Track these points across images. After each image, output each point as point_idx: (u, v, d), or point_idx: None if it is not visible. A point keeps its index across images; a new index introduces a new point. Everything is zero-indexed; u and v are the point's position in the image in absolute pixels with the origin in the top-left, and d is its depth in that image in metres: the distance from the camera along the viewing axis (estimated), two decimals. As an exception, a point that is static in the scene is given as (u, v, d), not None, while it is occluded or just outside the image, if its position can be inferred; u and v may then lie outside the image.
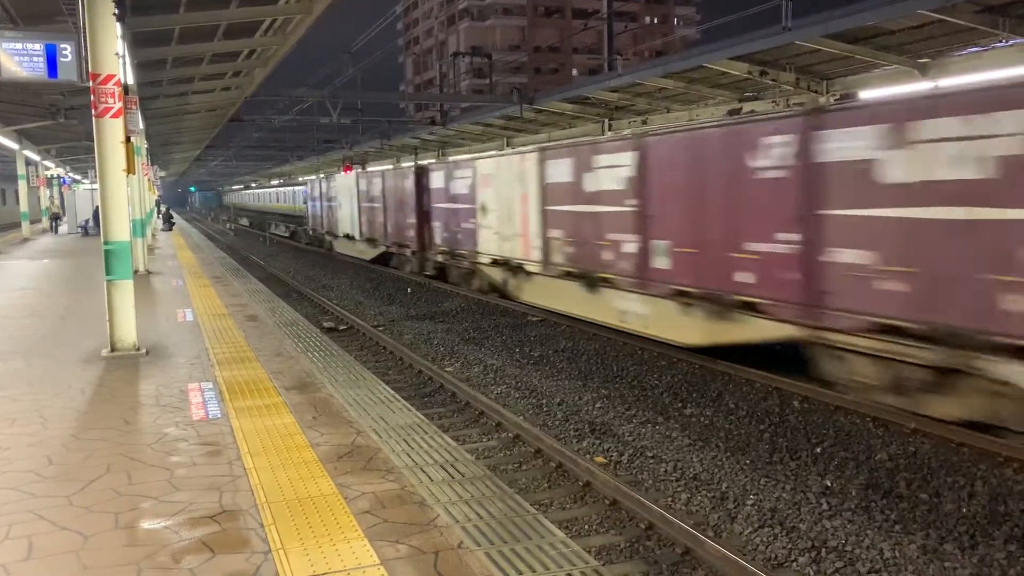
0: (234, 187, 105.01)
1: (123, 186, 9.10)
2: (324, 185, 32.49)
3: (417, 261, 22.59)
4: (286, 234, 44.69)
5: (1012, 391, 7.15)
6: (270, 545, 4.12)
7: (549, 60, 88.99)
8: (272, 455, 5.49)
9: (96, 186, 10.27)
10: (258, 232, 55.84)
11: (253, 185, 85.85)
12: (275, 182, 70.27)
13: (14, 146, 29.16)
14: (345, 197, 29.04)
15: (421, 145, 36.50)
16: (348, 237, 29.05)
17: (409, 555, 4.01)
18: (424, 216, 21.52)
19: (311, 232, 35.95)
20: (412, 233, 22.34)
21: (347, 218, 29.01)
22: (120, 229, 8.96)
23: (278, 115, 32.38)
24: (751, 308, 9.85)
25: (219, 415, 6.49)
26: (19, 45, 8.57)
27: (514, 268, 16.10)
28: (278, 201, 56.96)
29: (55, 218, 38.54)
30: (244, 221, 66.81)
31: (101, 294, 9.10)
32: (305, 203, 40.60)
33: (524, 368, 11.63)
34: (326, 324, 15.38)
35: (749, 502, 6.64)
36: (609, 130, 23.04)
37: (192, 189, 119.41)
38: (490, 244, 17.22)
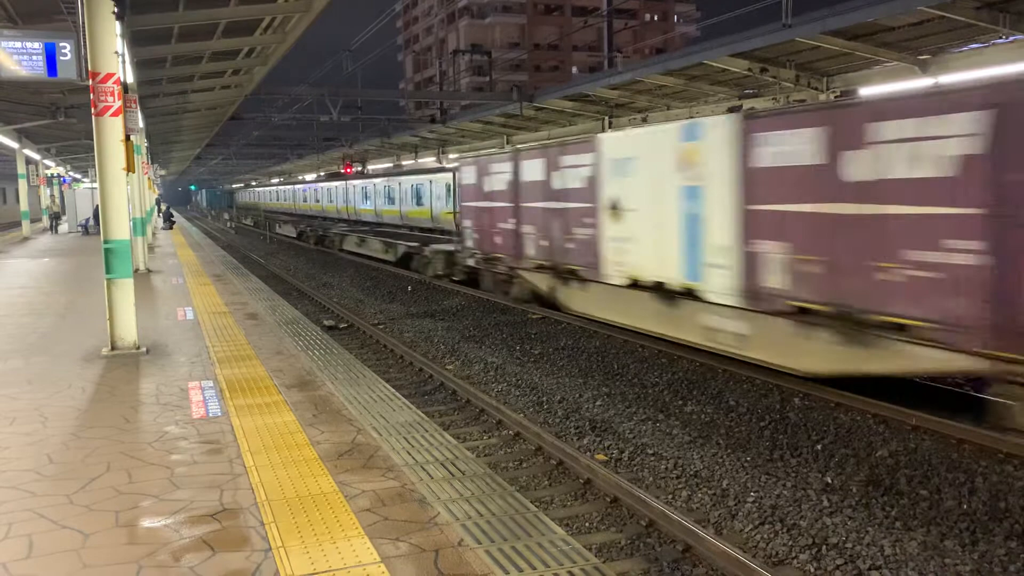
0: (254, 183, 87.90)
1: (123, 185, 9.10)
2: (533, 167, 15.17)
3: None
4: (388, 257, 26.55)
5: None
6: (270, 543, 4.12)
7: (549, 58, 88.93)
8: (272, 453, 5.49)
9: (96, 185, 10.27)
10: (284, 236, 45.26)
11: (296, 179, 63.32)
12: (341, 173, 46.64)
13: (14, 145, 29.16)
14: (645, 184, 11.93)
15: (421, 143, 36.52)
16: (664, 291, 11.64)
17: (409, 553, 4.01)
18: None
19: (473, 259, 18.20)
20: None
21: (653, 239, 11.80)
22: (120, 228, 8.96)
23: (278, 113, 32.37)
24: None
25: (219, 413, 6.49)
26: (18, 44, 8.57)
27: None
28: (367, 202, 37.63)
29: (55, 217, 38.34)
30: (287, 230, 46.76)
31: (101, 292, 9.10)
32: (442, 205, 27.64)
33: (524, 366, 11.62)
34: (326, 322, 15.37)
35: (750, 499, 6.63)
36: (609, 127, 23.02)
37: (192, 188, 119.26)
38: None
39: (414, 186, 31.31)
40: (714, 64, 16.05)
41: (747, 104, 17.57)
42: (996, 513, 6.24)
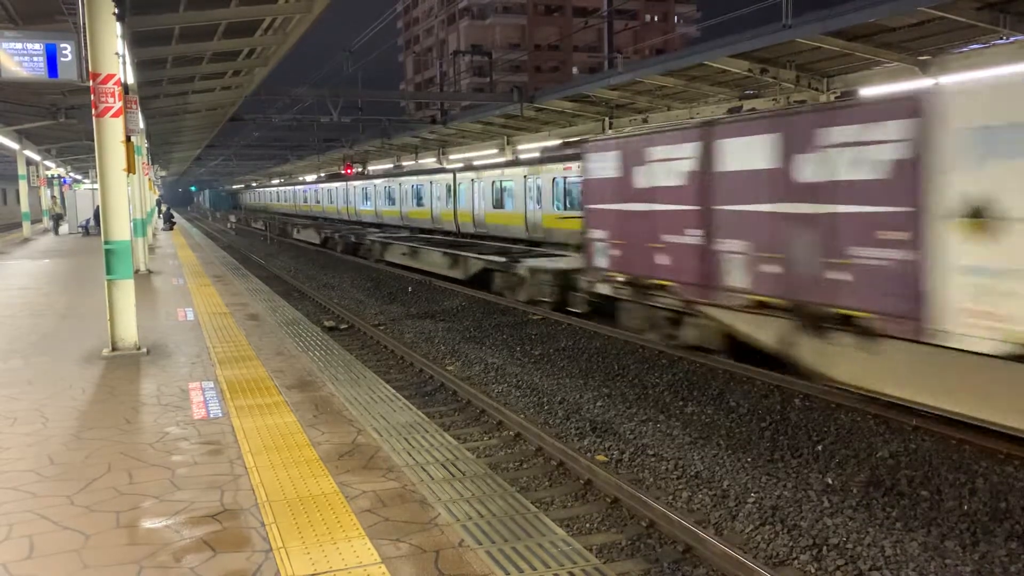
0: (255, 183, 79.75)
1: (123, 185, 9.10)
2: (746, 149, 9.74)
3: None
4: (456, 274, 20.42)
5: None
6: (271, 544, 4.12)
7: (549, 58, 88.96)
8: (273, 454, 5.49)
9: (96, 186, 10.28)
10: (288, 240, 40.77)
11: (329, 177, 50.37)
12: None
13: (15, 146, 29.19)
14: None
15: (421, 144, 36.54)
16: None
17: (410, 553, 4.01)
18: None
19: (610, 286, 12.66)
20: None
21: None
22: (121, 228, 8.97)
23: (278, 114, 32.40)
24: None
25: (220, 414, 6.49)
26: (19, 45, 8.57)
27: None
28: (425, 203, 30.52)
29: (57, 218, 38.10)
30: (308, 235, 38.83)
31: (101, 293, 9.10)
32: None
33: (525, 366, 11.62)
34: (327, 323, 15.38)
35: (750, 500, 6.63)
36: (610, 128, 23.01)
37: (193, 189, 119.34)
38: None
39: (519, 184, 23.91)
40: (714, 65, 16.06)
41: (747, 105, 17.56)
42: (997, 514, 6.24)
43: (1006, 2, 11.63)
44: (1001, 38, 12.66)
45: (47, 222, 40.14)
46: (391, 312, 17.15)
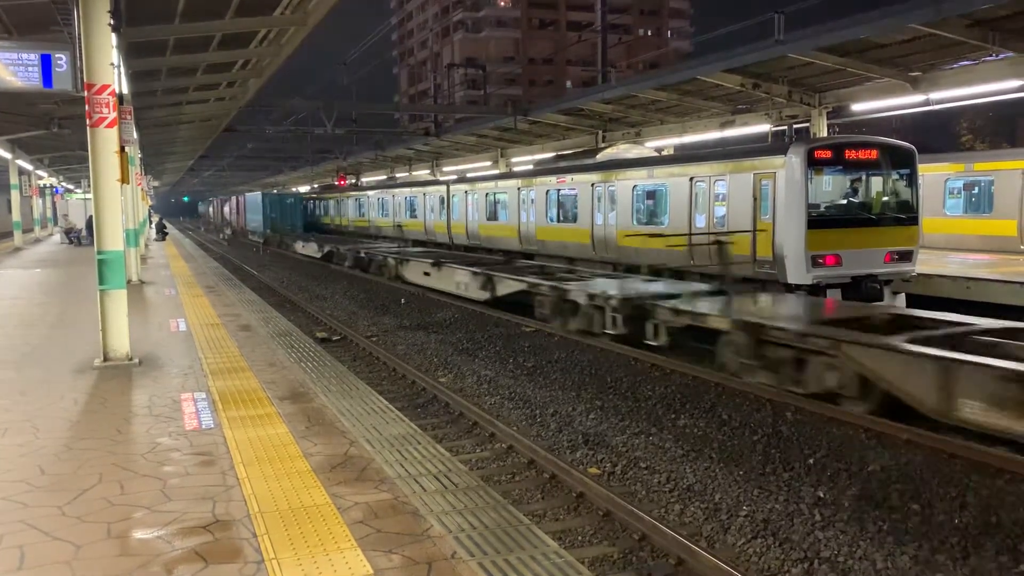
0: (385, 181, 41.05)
1: (117, 196, 9.10)
2: None
3: None
4: None
5: None
6: (263, 555, 4.11)
7: (543, 72, 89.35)
8: (265, 465, 5.48)
9: (88, 195, 10.27)
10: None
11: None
12: None
13: (7, 155, 29.11)
14: None
15: (415, 156, 36.60)
16: None
17: (402, 565, 4.01)
18: None
19: None
20: None
21: None
22: (114, 238, 8.95)
23: (272, 125, 32.40)
24: None
25: (212, 425, 6.47)
26: (14, 55, 8.58)
27: None
28: None
29: (70, 231, 37.11)
30: None
31: (93, 303, 9.08)
32: None
33: (518, 379, 11.62)
34: (319, 334, 15.34)
35: (742, 513, 6.64)
36: (603, 142, 23.09)
37: (185, 199, 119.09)
38: None
39: None
40: (707, 79, 16.16)
41: (740, 119, 17.65)
42: (987, 527, 6.26)
43: (995, 20, 11.77)
44: (990, 55, 12.80)
45: (38, 231, 39.78)
46: (383, 323, 17.13)
